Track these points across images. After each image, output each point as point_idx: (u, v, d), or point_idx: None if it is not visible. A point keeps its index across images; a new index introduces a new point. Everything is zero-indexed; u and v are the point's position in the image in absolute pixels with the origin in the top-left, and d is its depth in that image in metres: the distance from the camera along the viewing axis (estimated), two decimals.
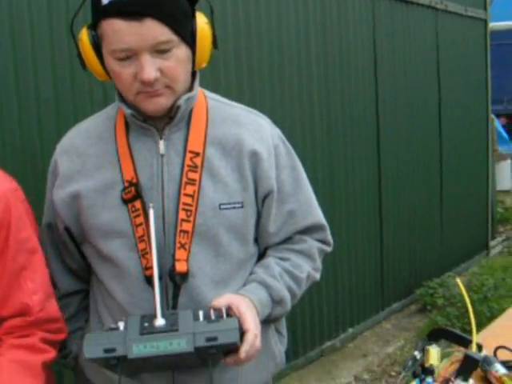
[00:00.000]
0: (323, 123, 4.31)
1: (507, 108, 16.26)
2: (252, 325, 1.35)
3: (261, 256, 1.62)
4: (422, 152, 5.50)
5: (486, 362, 1.40)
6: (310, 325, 4.38)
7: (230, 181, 1.48)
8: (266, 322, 1.54)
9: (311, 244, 1.62)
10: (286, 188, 1.57)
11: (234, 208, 1.48)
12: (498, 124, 9.91)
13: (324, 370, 4.37)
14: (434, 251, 5.67)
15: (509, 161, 9.66)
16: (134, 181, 1.46)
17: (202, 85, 1.56)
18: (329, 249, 1.68)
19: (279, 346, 1.65)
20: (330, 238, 1.68)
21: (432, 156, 5.69)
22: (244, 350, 1.32)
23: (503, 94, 15.97)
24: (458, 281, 1.62)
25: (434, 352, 1.39)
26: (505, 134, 10.55)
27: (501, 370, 1.37)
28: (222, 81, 3.53)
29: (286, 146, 1.61)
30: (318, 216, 1.64)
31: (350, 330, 4.72)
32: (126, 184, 1.47)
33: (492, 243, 7.07)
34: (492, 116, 7.62)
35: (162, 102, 1.42)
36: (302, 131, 4.12)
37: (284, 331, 1.70)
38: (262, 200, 1.54)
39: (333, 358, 4.53)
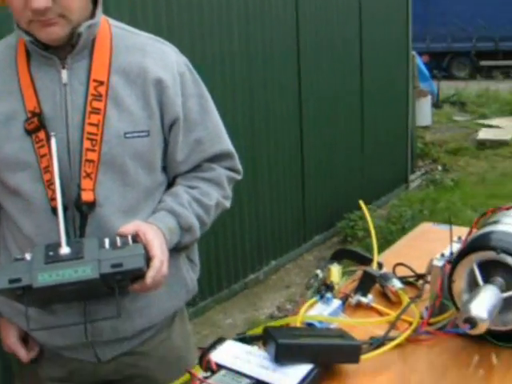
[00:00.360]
0: (243, 58, 4.30)
1: (430, 46, 16.58)
2: (158, 251, 1.37)
3: (170, 185, 1.63)
4: (343, 88, 5.57)
5: (384, 277, 1.47)
6: (233, 258, 4.46)
7: (135, 109, 1.48)
8: (177, 250, 1.56)
9: (220, 172, 1.63)
10: (193, 116, 1.57)
11: (140, 136, 1.48)
12: (419, 61, 10.07)
13: (248, 302, 4.49)
14: (355, 185, 5.81)
15: (429, 97, 9.88)
16: (37, 111, 1.43)
17: (115, 16, 1.53)
18: (238, 177, 1.70)
19: (191, 274, 1.68)
20: (239, 166, 1.70)
21: (353, 92, 5.77)
22: (150, 275, 1.34)
23: (426, 33, 16.26)
24: (361, 203, 1.68)
25: (334, 270, 1.46)
26: (426, 72, 10.75)
27: (397, 284, 1.45)
28: (139, 14, 3.46)
29: (193, 74, 1.61)
30: (226, 144, 1.66)
31: (273, 263, 4.84)
32: (29, 114, 1.44)
33: (411, 177, 7.30)
34: (413, 53, 7.74)
35: (56, 32, 1.38)
36: (222, 67, 4.10)
37: (196, 259, 1.72)
38: (169, 128, 1.54)
39: (256, 290, 4.65)
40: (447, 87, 13.21)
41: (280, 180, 4.81)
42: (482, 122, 11.09)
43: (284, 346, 1.11)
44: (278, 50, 4.64)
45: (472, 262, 1.23)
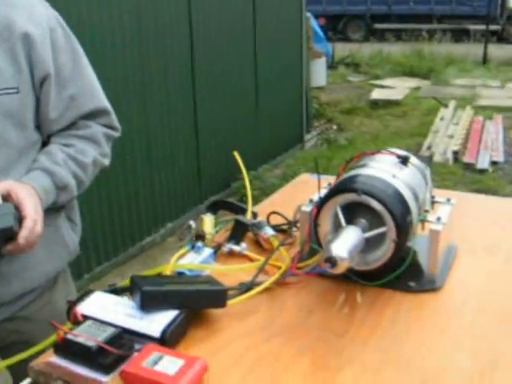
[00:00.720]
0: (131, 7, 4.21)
1: (326, 9, 16.80)
2: (31, 211, 1.32)
3: (45, 144, 1.58)
4: (236, 50, 5.55)
5: (257, 226, 1.49)
6: (128, 222, 4.41)
7: (2, 65, 1.41)
8: (56, 210, 1.52)
9: (96, 129, 1.59)
10: (66, 72, 1.51)
11: (8, 93, 1.42)
12: (314, 23, 10.18)
13: (145, 265, 4.45)
14: (251, 145, 5.84)
15: (324, 59, 10.03)
16: None
17: None
18: (116, 134, 1.66)
19: (71, 234, 1.64)
20: (116, 123, 1.66)
21: (246, 54, 5.77)
22: (22, 235, 1.30)
23: None
24: (236, 154, 1.69)
25: (207, 220, 1.46)
26: (321, 33, 10.90)
27: (269, 232, 1.47)
28: None
29: (65, 29, 1.54)
30: (102, 100, 1.61)
31: (170, 225, 4.82)
32: None
33: (307, 137, 7.42)
34: (307, 15, 7.81)
35: None
36: (109, 15, 3.98)
37: (77, 219, 1.68)
38: (40, 85, 1.48)
39: (153, 253, 4.63)
40: (342, 49, 13.47)
41: (174, 142, 4.77)
42: (375, 82, 11.40)
43: (148, 293, 1.10)
44: (168, 9, 4.55)
45: (336, 204, 1.26)
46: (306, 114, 7.29)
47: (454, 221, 1.38)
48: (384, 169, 1.32)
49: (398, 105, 9.50)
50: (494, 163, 6.58)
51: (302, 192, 1.78)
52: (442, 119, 8.20)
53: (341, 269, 1.13)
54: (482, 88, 10.70)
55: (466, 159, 6.69)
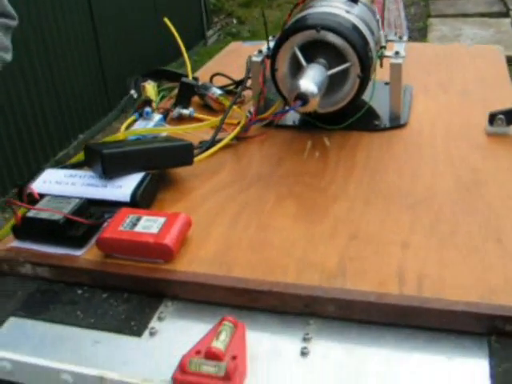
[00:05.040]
0: None
1: None
2: None
3: None
4: None
5: (203, 87, 1.39)
6: (39, 141, 4.18)
7: None
8: None
9: None
10: None
11: None
12: None
13: None
14: (152, 46, 5.60)
15: None
16: None
17: None
18: (13, 22, 1.49)
19: None
20: (10, 10, 1.49)
21: None
22: None
23: None
24: (166, 21, 1.56)
25: (149, 87, 1.34)
26: None
27: (217, 91, 1.37)
28: None
29: None
30: None
31: (81, 137, 4.61)
32: None
33: (209, 33, 7.19)
34: None
35: None
36: None
37: None
38: None
39: None
40: None
41: (74, 51, 4.49)
42: None
43: (110, 156, 0.99)
44: None
45: (293, 45, 1.17)
46: (204, 10, 7.04)
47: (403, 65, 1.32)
48: (336, 6, 1.23)
49: None
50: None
51: (237, 58, 1.68)
52: None
53: (312, 106, 1.06)
54: None
55: None
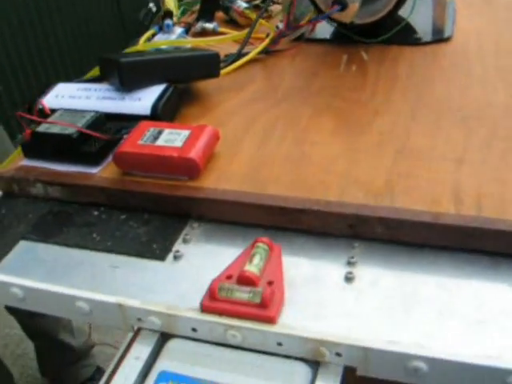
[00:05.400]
0: None
1: None
2: None
3: None
4: None
5: (228, 0, 1.27)
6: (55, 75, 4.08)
7: None
8: None
9: None
10: None
11: None
12: None
13: None
14: None
15: None
16: None
17: None
18: None
19: None
20: None
21: None
22: None
23: None
24: None
25: None
26: None
27: (243, 4, 1.26)
28: None
29: None
30: None
31: None
32: None
33: None
34: None
35: None
36: None
37: None
38: None
39: None
40: None
41: None
42: None
43: (128, 65, 0.89)
44: None
45: None
46: None
47: None
48: None
49: None
50: None
51: None
52: None
53: (351, 13, 0.96)
54: None
55: None
